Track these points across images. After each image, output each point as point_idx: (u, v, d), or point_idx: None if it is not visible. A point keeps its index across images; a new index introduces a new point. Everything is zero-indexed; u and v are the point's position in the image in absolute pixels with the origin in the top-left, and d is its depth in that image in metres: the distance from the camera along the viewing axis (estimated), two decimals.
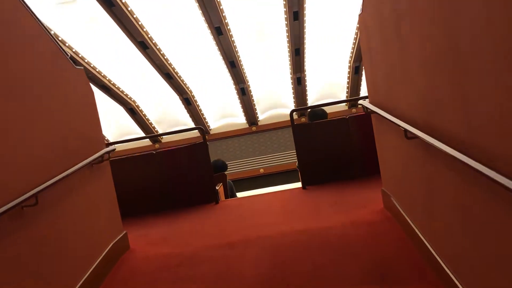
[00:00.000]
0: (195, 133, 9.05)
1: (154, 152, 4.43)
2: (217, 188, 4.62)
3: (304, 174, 4.17)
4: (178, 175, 4.27)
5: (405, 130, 2.02)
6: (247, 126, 9.03)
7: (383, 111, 2.46)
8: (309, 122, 4.53)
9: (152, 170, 4.34)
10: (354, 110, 8.89)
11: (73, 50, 6.06)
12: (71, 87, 2.70)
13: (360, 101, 3.00)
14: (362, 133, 4.04)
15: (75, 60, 6.22)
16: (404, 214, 2.51)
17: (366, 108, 2.83)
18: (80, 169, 2.49)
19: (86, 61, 6.41)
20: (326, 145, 4.13)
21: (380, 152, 2.96)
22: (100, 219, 2.79)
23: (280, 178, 9.18)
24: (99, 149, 2.88)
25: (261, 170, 9.10)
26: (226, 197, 5.18)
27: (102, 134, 3.21)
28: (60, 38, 5.76)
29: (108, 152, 2.98)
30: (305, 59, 7.30)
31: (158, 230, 3.62)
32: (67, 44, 5.91)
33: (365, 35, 2.84)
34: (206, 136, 9.09)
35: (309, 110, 5.24)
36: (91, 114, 2.94)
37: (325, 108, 4.77)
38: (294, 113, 4.41)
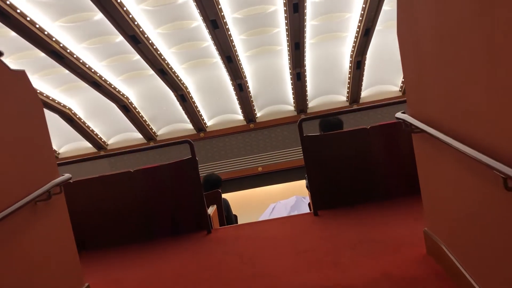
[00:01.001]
0: (192, 130, 8.76)
1: (131, 171, 3.65)
2: (209, 212, 3.89)
3: (316, 196, 3.49)
4: (161, 198, 3.64)
5: (506, 178, 1.35)
6: (244, 123, 8.74)
7: (456, 142, 1.68)
8: (321, 134, 3.82)
9: (129, 192, 3.63)
10: (355, 106, 8.60)
11: (61, 45, 5.74)
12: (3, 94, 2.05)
13: (399, 115, 2.47)
14: (385, 147, 3.43)
15: (62, 56, 5.91)
16: (466, 274, 1.87)
17: (411, 125, 2.17)
18: (15, 212, 1.86)
19: (75, 56, 6.09)
20: (342, 161, 3.47)
21: (427, 183, 2.32)
22: (49, 275, 2.15)
23: (279, 176, 8.92)
24: (48, 179, 2.21)
25: (260, 169, 8.83)
26: (222, 219, 4.52)
27: (54, 157, 2.62)
28: (46, 32, 5.44)
29: (60, 184, 2.31)
30: (305, 54, 7.00)
31: (134, 272, 2.97)
32: (53, 39, 5.59)
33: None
34: (201, 134, 8.90)
35: (322, 120, 4.25)
36: (37, 130, 2.29)
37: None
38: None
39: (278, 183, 9.06)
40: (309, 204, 4.67)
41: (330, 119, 3.97)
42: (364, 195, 3.46)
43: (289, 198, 9.54)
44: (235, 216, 5.44)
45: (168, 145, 3.89)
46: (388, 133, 3.36)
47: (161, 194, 3.66)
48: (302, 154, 8.81)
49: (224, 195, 9.77)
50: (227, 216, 4.72)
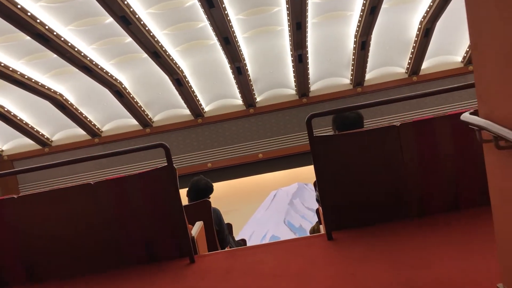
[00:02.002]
0: (189, 115, 8.43)
1: (91, 183, 2.95)
2: (195, 232, 3.16)
3: (329, 214, 2.75)
4: (131, 217, 2.92)
5: None
6: (244, 108, 8.39)
7: None
8: (335, 134, 3.15)
9: (90, 210, 2.94)
10: (359, 89, 8.25)
11: (46, 27, 5.37)
12: None
13: (466, 116, 1.78)
14: (421, 149, 2.71)
15: (48, 39, 5.54)
16: None
17: (497, 137, 1.44)
18: None
19: (62, 39, 5.72)
20: (363, 168, 2.74)
21: (508, 222, 1.60)
22: None
23: (280, 163, 8.61)
24: None
25: (260, 155, 8.51)
26: (211, 236, 3.84)
27: None
28: (29, 14, 5.07)
29: None
30: (307, 34, 6.61)
31: None
32: (38, 21, 5.22)
33: None
34: (199, 120, 8.56)
35: (338, 115, 3.41)
36: None
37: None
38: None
39: (279, 170, 8.76)
40: (317, 211, 4.08)
41: (347, 114, 3.21)
42: (394, 211, 2.75)
43: (290, 185, 9.30)
44: (229, 226, 4.99)
45: (141, 150, 3.16)
46: (423, 132, 2.66)
47: (131, 211, 2.93)
48: (304, 140, 8.58)
49: (223, 184, 9.48)
50: (218, 230, 4.10)
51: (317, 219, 4.50)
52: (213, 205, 3.95)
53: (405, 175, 2.74)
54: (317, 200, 3.35)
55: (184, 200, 4.20)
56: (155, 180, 2.93)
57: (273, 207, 9.29)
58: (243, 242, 5.48)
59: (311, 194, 9.27)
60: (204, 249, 3.53)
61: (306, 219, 9.22)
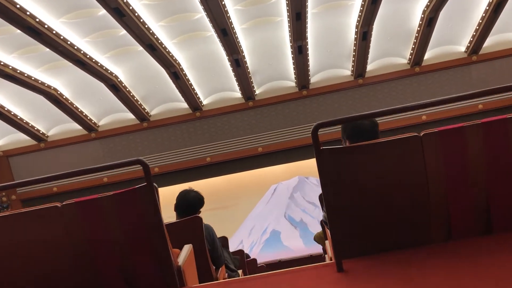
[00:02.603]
0: (187, 109, 8.26)
1: (58, 205, 2.46)
2: (181, 259, 2.65)
3: (339, 239, 2.32)
4: (104, 244, 2.46)
5: None
6: (243, 101, 8.22)
7: None
8: (345, 145, 2.73)
9: (57, 235, 2.46)
10: (360, 81, 8.07)
11: (37, 20, 5.18)
12: None
13: None
14: (448, 162, 2.30)
15: (40, 33, 5.36)
16: None
17: None
18: None
19: (54, 32, 5.54)
20: (379, 185, 2.33)
21: None
22: None
23: (280, 156, 8.46)
24: None
25: (260, 149, 8.36)
26: (203, 259, 3.37)
27: None
28: (18, 6, 4.89)
29: None
30: (307, 25, 6.43)
31: None
32: (28, 13, 5.03)
33: None
34: (197, 114, 8.39)
35: (347, 124, 2.94)
36: None
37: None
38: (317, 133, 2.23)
39: (279, 164, 8.61)
40: (321, 223, 3.66)
41: (359, 121, 2.79)
42: (414, 235, 2.35)
43: (291, 179, 9.16)
44: (224, 240, 4.63)
45: (119, 167, 2.70)
46: (451, 143, 2.23)
47: (105, 237, 2.46)
48: (305, 133, 8.43)
49: (222, 179, 9.31)
50: (211, 249, 3.66)
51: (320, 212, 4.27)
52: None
53: (429, 193, 2.31)
54: (324, 222, 2.98)
55: (172, 215, 3.87)
56: (133, 201, 2.46)
57: (273, 201, 9.16)
58: (240, 255, 5.17)
59: (312, 188, 9.13)
60: (194, 278, 2.98)
61: (307, 213, 9.09)
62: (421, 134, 2.28)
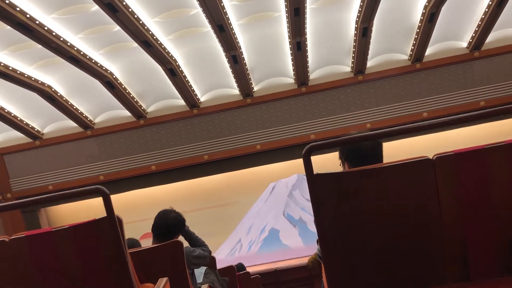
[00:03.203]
0: (184, 106, 8.13)
1: (6, 240, 2.10)
2: None
3: (335, 278, 2.04)
4: (58, 282, 2.07)
5: None
6: (241, 98, 8.08)
7: None
8: (344, 170, 2.42)
9: (3, 276, 2.09)
10: (360, 77, 7.93)
11: (27, 16, 5.05)
12: None
13: None
14: (465, 190, 1.98)
15: (31, 29, 5.22)
16: None
17: None
18: None
19: (46, 28, 5.41)
20: (384, 217, 2.01)
21: None
22: None
23: (279, 154, 8.33)
24: None
25: (258, 147, 8.23)
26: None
27: None
28: (7, 1, 4.75)
29: None
30: (305, 20, 6.28)
31: None
32: (17, 9, 4.89)
33: None
34: (195, 111, 8.26)
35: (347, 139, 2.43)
36: None
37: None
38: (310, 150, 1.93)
39: (278, 162, 8.48)
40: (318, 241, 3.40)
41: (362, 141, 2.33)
42: (425, 274, 2.03)
43: (290, 177, 9.03)
44: (212, 260, 4.05)
45: (78, 195, 2.16)
46: (469, 167, 1.90)
47: (60, 277, 2.10)
48: (304, 131, 8.31)
49: (220, 177, 9.19)
50: (191, 274, 3.29)
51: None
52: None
53: (443, 226, 1.97)
54: (318, 256, 2.58)
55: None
56: (92, 235, 2.10)
57: (272, 199, 9.04)
58: (230, 272, 4.83)
59: None
60: None
61: (306, 211, 8.97)
62: (434, 158, 1.93)
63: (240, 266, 6.30)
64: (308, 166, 1.90)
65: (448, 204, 1.94)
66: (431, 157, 1.89)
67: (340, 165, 2.44)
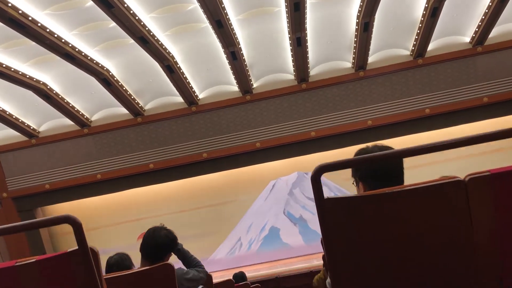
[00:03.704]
0: (182, 103, 7.99)
1: None
2: None
3: None
4: None
5: None
6: (240, 95, 7.95)
7: None
8: (358, 193, 2.04)
9: None
10: (361, 73, 7.80)
11: (20, 12, 4.90)
12: None
13: None
14: (503, 219, 1.70)
15: (24, 25, 5.08)
16: None
17: None
18: None
19: (39, 25, 5.26)
20: (407, 250, 1.75)
21: None
22: None
23: (279, 151, 8.21)
24: None
25: (258, 144, 8.10)
26: None
27: None
28: None
29: None
30: (306, 16, 6.14)
31: None
32: (9, 5, 4.75)
33: None
34: (193, 108, 8.12)
35: (359, 152, 2.12)
36: None
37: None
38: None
39: (278, 159, 8.36)
40: (323, 257, 3.17)
41: (381, 160, 1.96)
42: None
43: (290, 174, 8.92)
44: (209, 278, 3.70)
45: (46, 225, 1.89)
46: (509, 191, 1.65)
47: None
48: (304, 128, 8.17)
49: (220, 175, 9.06)
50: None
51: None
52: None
53: (476, 257, 1.68)
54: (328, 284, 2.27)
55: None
56: (62, 271, 1.85)
57: (272, 197, 8.92)
58: (229, 287, 4.61)
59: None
60: None
61: (306, 209, 8.86)
62: (466, 178, 1.64)
63: (241, 275, 6.11)
64: (317, 189, 1.62)
65: (482, 231, 1.66)
66: (462, 178, 1.63)
67: (353, 183, 2.08)
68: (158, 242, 2.96)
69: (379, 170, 2.00)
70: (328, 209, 1.65)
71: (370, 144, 2.07)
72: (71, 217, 1.60)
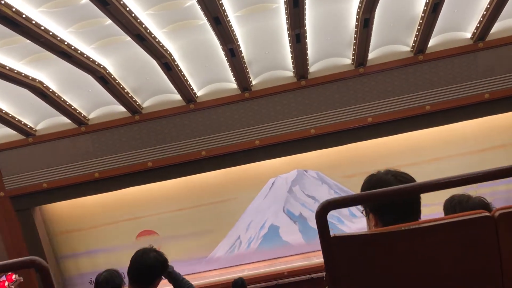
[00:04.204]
0: (181, 101, 7.90)
1: None
2: None
3: None
4: None
5: None
6: (239, 92, 7.86)
7: None
8: (373, 232, 1.57)
9: None
10: (361, 70, 7.71)
11: (13, 9, 4.81)
12: None
13: None
14: None
15: (18, 23, 4.99)
16: None
17: None
18: None
19: (34, 22, 5.17)
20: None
21: None
22: None
23: (278, 149, 8.14)
24: None
25: (257, 142, 8.03)
26: None
27: None
28: None
29: None
30: (305, 12, 6.05)
31: None
32: (2, 2, 4.66)
33: None
34: (192, 106, 8.03)
35: (370, 180, 1.83)
36: None
37: None
38: None
39: (277, 157, 8.29)
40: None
41: (390, 180, 1.74)
42: None
43: (289, 172, 8.85)
44: None
45: (10, 269, 1.85)
46: None
47: None
48: (303, 125, 8.09)
49: (219, 173, 9.03)
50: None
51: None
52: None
53: None
54: None
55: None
56: None
57: (271, 195, 8.85)
58: None
59: (311, 181, 8.84)
60: None
61: (306, 207, 8.80)
62: (496, 214, 1.42)
63: (241, 283, 6.05)
64: (323, 227, 1.41)
65: None
66: (490, 214, 1.43)
67: (362, 212, 1.84)
68: (148, 265, 2.78)
69: (394, 201, 1.73)
70: (334, 246, 1.43)
71: (382, 169, 1.80)
72: (36, 261, 1.42)
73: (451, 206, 2.56)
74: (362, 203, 1.79)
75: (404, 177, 1.72)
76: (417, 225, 1.48)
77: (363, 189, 1.80)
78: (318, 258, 7.98)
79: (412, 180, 1.73)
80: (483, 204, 2.36)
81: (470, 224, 1.42)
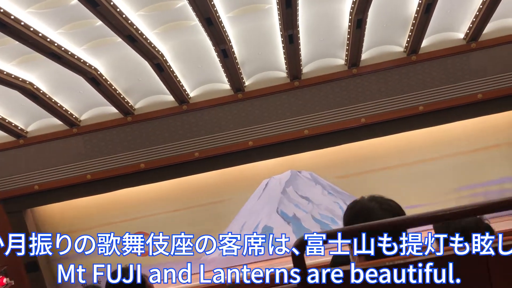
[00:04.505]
0: (173, 102, 7.85)
1: None
2: None
3: None
4: None
5: None
6: (232, 93, 7.82)
7: None
8: (357, 266, 1.45)
9: None
10: (354, 70, 7.69)
11: (1, 10, 4.74)
12: None
13: None
14: None
15: (5, 24, 4.92)
16: None
17: None
18: None
19: (22, 24, 5.10)
20: None
21: None
22: None
23: (272, 150, 8.10)
24: None
25: (250, 143, 7.99)
26: None
27: None
28: None
29: None
30: (298, 12, 6.02)
31: None
32: None
33: None
34: (185, 107, 7.98)
35: (353, 207, 1.72)
36: None
37: None
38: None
39: (271, 158, 8.26)
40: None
41: (372, 207, 1.62)
42: None
43: (283, 173, 8.82)
44: None
45: None
46: None
47: None
48: (297, 126, 8.06)
49: (212, 174, 9.02)
50: None
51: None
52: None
53: None
54: None
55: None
56: None
57: (265, 196, 8.82)
58: None
59: (305, 182, 8.81)
60: None
61: (299, 208, 8.78)
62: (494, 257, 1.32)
63: None
64: (299, 262, 1.32)
65: None
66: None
67: (349, 253, 1.70)
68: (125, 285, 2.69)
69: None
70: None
71: (366, 196, 1.70)
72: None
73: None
74: (345, 239, 1.55)
75: (390, 205, 1.60)
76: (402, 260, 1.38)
77: (345, 216, 1.70)
78: (311, 259, 7.95)
79: (398, 207, 1.61)
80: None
81: (461, 259, 1.33)
